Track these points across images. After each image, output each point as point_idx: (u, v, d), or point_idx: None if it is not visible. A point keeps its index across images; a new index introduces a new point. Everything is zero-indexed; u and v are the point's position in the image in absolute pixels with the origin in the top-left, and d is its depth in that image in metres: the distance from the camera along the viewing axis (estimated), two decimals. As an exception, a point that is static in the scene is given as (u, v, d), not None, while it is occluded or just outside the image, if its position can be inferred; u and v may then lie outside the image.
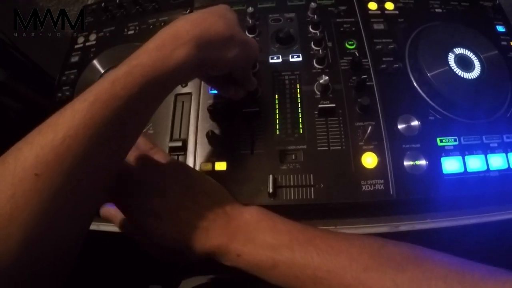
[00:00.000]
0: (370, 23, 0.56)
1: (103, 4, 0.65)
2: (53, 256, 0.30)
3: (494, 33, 0.58)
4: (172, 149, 0.49)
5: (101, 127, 0.30)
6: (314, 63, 0.52)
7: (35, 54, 0.87)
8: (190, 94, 0.52)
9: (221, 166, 0.47)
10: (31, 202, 0.26)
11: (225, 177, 0.46)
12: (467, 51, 0.52)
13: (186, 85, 0.53)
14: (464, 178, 0.45)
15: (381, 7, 0.58)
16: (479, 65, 0.51)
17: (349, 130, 0.47)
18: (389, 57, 0.53)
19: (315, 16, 0.55)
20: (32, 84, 0.86)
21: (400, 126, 0.48)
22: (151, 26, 0.61)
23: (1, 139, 0.33)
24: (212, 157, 0.48)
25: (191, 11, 0.57)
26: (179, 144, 0.48)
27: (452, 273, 0.30)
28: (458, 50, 0.52)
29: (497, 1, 0.61)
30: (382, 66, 0.52)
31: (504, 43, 0.57)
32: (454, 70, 0.50)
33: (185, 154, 0.49)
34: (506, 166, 0.46)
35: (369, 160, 0.46)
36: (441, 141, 0.47)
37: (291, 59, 0.53)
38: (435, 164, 0.45)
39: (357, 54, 0.51)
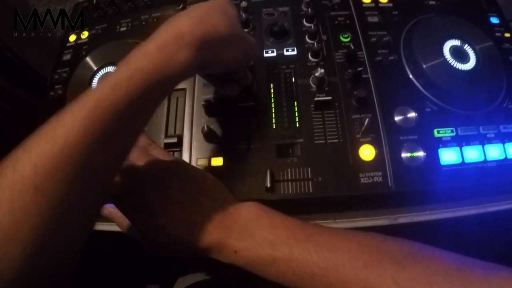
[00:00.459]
0: (364, 16, 0.56)
1: (94, 1, 0.64)
2: (55, 267, 0.29)
3: (488, 25, 0.58)
4: (167, 145, 0.48)
5: (102, 134, 0.29)
6: (309, 56, 0.52)
7: (25, 53, 0.85)
8: (184, 89, 0.52)
9: (217, 161, 0.46)
10: (31, 215, 0.25)
11: (222, 172, 0.46)
12: (462, 42, 0.52)
13: (180, 81, 0.52)
14: (462, 169, 0.45)
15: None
16: (474, 57, 0.51)
17: (346, 122, 0.47)
18: (384, 49, 0.53)
19: (309, 10, 0.55)
20: (23, 85, 0.84)
21: (397, 118, 0.47)
22: (144, 23, 0.60)
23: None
24: (208, 153, 0.47)
25: (183, 7, 0.56)
26: (174, 140, 0.48)
27: (453, 270, 0.30)
28: (453, 42, 0.52)
29: (491, -7, 0.61)
30: (378, 58, 0.52)
31: (498, 34, 0.57)
32: (450, 61, 0.50)
33: (180, 150, 0.48)
34: (503, 156, 0.46)
35: (367, 152, 0.45)
36: (438, 132, 0.47)
37: (285, 53, 0.53)
38: (432, 156, 0.45)
39: (352, 47, 0.50)
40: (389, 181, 0.44)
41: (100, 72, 0.55)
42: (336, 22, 0.55)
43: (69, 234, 0.29)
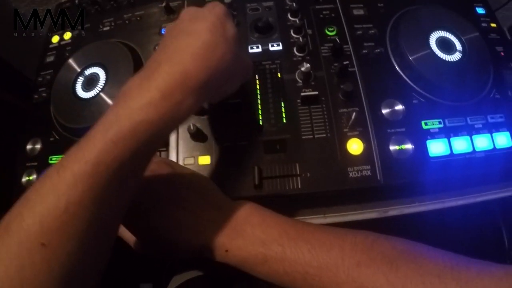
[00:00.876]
0: (349, 9, 0.56)
1: (77, 1, 0.63)
2: None
3: (474, 15, 0.58)
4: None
5: (106, 190, 0.27)
6: (295, 51, 0.52)
7: (8, 55, 0.84)
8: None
9: (205, 160, 0.46)
10: (41, 273, 0.25)
11: (210, 171, 0.45)
12: (448, 33, 0.52)
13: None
14: (451, 160, 0.45)
15: (360, -8, 0.57)
16: (461, 47, 0.51)
17: (333, 117, 0.47)
18: (370, 42, 0.52)
19: (294, 4, 0.54)
20: (7, 86, 0.83)
21: (384, 111, 0.47)
22: (127, 21, 0.59)
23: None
24: (195, 152, 0.47)
25: (167, 4, 0.55)
26: (161, 140, 0.47)
27: (447, 269, 0.30)
28: (439, 33, 0.52)
29: (476, -17, 0.61)
30: (364, 51, 0.51)
31: (484, 24, 0.57)
32: (436, 53, 0.50)
33: (167, 150, 0.47)
34: (491, 147, 0.47)
35: (355, 146, 0.45)
36: (425, 124, 0.47)
37: (271, 48, 0.52)
38: (421, 148, 0.45)
39: (338, 41, 0.50)
40: (378, 174, 0.44)
41: (84, 73, 0.54)
42: (321, 15, 0.55)
43: (81, 283, 0.29)
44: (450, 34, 0.52)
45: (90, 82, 0.53)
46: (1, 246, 0.25)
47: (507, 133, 0.47)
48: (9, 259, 0.25)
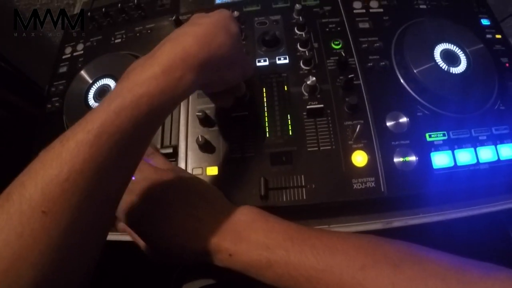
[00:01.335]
0: (355, 22, 0.56)
1: (89, 14, 0.65)
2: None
3: (479, 27, 0.58)
4: (163, 156, 0.49)
5: (107, 159, 0.28)
6: (301, 64, 0.52)
7: (17, 60, 0.86)
8: (179, 100, 0.52)
9: (212, 171, 0.47)
10: (40, 240, 0.26)
11: (217, 181, 0.46)
12: (452, 46, 0.52)
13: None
14: (455, 172, 0.46)
15: (365, 5, 0.58)
16: (465, 59, 0.51)
17: (338, 129, 0.47)
18: (375, 55, 0.53)
19: (300, 18, 0.55)
20: (16, 91, 0.85)
21: (388, 123, 0.48)
22: (138, 34, 0.61)
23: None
24: (203, 162, 0.48)
25: (177, 18, 0.57)
26: (170, 150, 0.49)
27: (450, 271, 0.30)
28: (444, 45, 0.52)
29: (481, -5, 0.61)
30: (369, 64, 0.52)
31: (489, 36, 0.57)
32: (440, 65, 0.50)
33: (176, 161, 0.49)
34: (495, 158, 0.47)
35: (359, 158, 0.46)
36: (430, 136, 0.47)
37: (278, 62, 0.54)
38: (425, 160, 0.46)
39: (343, 54, 0.51)
40: (382, 186, 0.44)
41: (95, 84, 0.56)
42: (327, 29, 0.56)
43: (79, 255, 0.29)
44: (455, 47, 0.52)
45: (102, 93, 0.55)
46: (2, 214, 0.26)
47: (512, 145, 0.48)
48: (9, 227, 0.25)
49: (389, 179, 0.45)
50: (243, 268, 0.36)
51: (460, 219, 0.47)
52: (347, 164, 0.45)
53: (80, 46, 0.64)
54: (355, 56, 0.53)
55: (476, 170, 0.46)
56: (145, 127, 0.31)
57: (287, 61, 0.53)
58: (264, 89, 0.51)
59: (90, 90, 0.56)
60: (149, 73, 0.31)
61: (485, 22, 0.59)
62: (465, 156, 0.46)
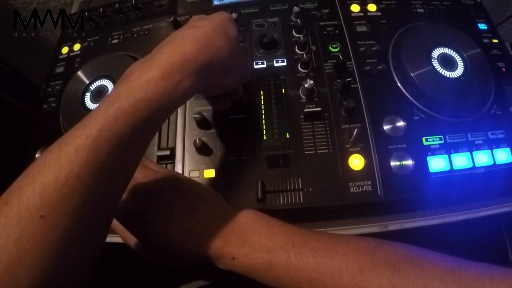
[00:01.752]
0: (353, 25, 0.57)
1: (86, 14, 0.65)
2: None
3: (476, 31, 0.59)
4: (160, 158, 0.49)
5: (105, 164, 0.28)
6: (299, 67, 0.53)
7: (14, 60, 0.86)
8: (176, 102, 0.52)
9: (209, 173, 0.47)
10: (38, 245, 0.26)
11: (214, 184, 0.46)
12: (450, 50, 0.53)
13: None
14: (451, 176, 0.46)
15: (363, 9, 0.58)
16: (462, 64, 0.52)
17: (336, 133, 0.47)
18: (373, 58, 0.53)
19: (298, 20, 0.55)
20: (14, 92, 0.85)
21: (385, 127, 0.48)
22: (135, 35, 0.61)
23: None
24: (200, 165, 0.48)
25: (174, 19, 0.57)
26: (167, 152, 0.48)
27: (448, 272, 0.30)
28: (441, 50, 0.52)
29: (478, -1, 0.62)
30: (366, 68, 0.52)
31: (486, 40, 0.58)
32: (438, 69, 0.51)
33: (173, 163, 0.49)
34: (491, 163, 0.47)
35: (356, 162, 0.46)
36: (426, 140, 0.47)
37: (275, 64, 0.54)
38: (421, 164, 0.46)
39: (341, 57, 0.51)
40: (379, 189, 0.45)
41: (92, 85, 0.55)
42: (325, 32, 0.56)
43: (77, 259, 0.29)
44: (452, 51, 0.52)
45: (99, 94, 0.54)
46: (0, 218, 0.25)
47: (508, 149, 0.48)
48: (8, 231, 0.25)
49: (385, 183, 0.45)
50: (245, 271, 0.36)
51: (456, 222, 0.48)
52: (344, 168, 0.46)
53: (77, 46, 0.64)
54: (352, 60, 0.53)
55: (472, 174, 0.46)
56: (143, 131, 0.31)
57: (284, 63, 0.53)
58: (261, 91, 0.51)
59: (87, 91, 0.55)
60: (147, 77, 0.31)
61: (482, 26, 0.60)
62: (461, 160, 0.47)
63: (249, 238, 0.37)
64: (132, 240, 0.41)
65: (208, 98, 0.47)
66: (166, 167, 0.49)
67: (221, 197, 0.42)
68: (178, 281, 0.56)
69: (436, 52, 0.52)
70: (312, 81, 0.48)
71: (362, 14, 0.58)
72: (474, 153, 0.47)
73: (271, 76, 0.52)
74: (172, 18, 0.57)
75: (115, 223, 0.39)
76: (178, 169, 0.48)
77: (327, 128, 0.48)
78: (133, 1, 0.63)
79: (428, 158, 0.46)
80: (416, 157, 0.46)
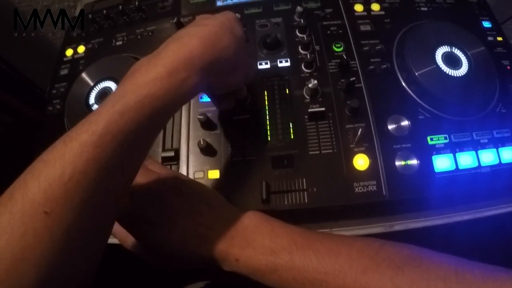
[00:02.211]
0: (356, 25, 0.56)
1: (90, 16, 0.65)
2: None
3: (480, 29, 0.58)
4: (165, 159, 0.49)
5: (111, 160, 0.28)
6: (303, 67, 0.52)
7: (19, 63, 0.86)
8: (180, 103, 0.52)
9: (214, 174, 0.47)
10: (43, 241, 0.25)
11: (219, 185, 0.46)
12: (454, 48, 0.52)
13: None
14: (456, 175, 0.46)
15: (367, 8, 0.58)
16: (467, 62, 0.51)
17: (340, 133, 0.47)
18: (377, 58, 0.53)
19: (302, 20, 0.55)
20: (20, 96, 0.85)
21: (390, 127, 0.48)
22: (139, 36, 0.61)
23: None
24: (204, 166, 0.48)
25: (178, 20, 0.57)
26: (172, 154, 0.48)
27: (451, 273, 0.30)
28: (445, 48, 0.52)
29: (482, -3, 0.61)
30: (370, 67, 0.52)
31: (490, 38, 0.57)
32: (442, 68, 0.50)
33: (177, 164, 0.49)
34: (497, 162, 0.47)
35: (361, 162, 0.46)
36: (431, 139, 0.47)
37: (279, 64, 0.54)
38: (426, 163, 0.46)
39: (345, 57, 0.51)
40: (384, 189, 0.44)
41: (97, 87, 0.56)
42: (329, 32, 0.56)
43: (81, 255, 0.29)
44: (456, 49, 0.52)
45: (103, 96, 0.55)
46: (5, 213, 0.25)
47: (513, 148, 0.48)
48: (12, 227, 0.25)
49: (390, 183, 0.45)
50: (249, 273, 0.36)
51: (461, 222, 0.47)
52: (348, 168, 0.45)
53: (81, 48, 0.64)
54: (356, 59, 0.53)
55: (477, 174, 0.46)
56: (148, 128, 0.31)
57: (288, 64, 0.53)
58: (265, 92, 0.51)
59: (91, 93, 0.56)
60: (153, 74, 0.31)
61: (486, 24, 0.59)
62: (466, 160, 0.46)
63: (253, 240, 0.37)
64: (130, 242, 0.41)
65: (212, 97, 0.47)
66: (171, 168, 0.49)
67: (223, 198, 0.42)
68: (183, 281, 0.56)
69: (440, 51, 0.52)
70: (316, 81, 0.48)
71: (365, 13, 0.58)
72: (479, 152, 0.47)
73: (275, 77, 0.52)
74: (175, 19, 0.57)
75: (115, 225, 0.40)
76: (183, 170, 0.48)
77: (332, 128, 0.48)
78: (137, 3, 0.63)
79: (433, 157, 0.46)
80: (421, 156, 0.46)
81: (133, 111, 0.29)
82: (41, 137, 0.57)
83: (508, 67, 0.55)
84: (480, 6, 0.61)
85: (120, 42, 0.62)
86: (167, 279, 0.59)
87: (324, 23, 0.57)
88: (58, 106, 0.59)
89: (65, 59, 0.64)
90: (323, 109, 0.48)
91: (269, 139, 0.48)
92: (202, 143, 0.46)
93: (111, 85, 0.55)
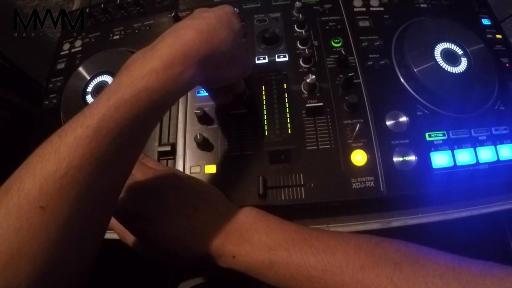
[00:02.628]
0: (355, 21, 0.56)
1: (87, 10, 0.65)
2: (64, 284, 0.29)
3: (479, 26, 0.58)
4: (161, 154, 0.48)
5: (106, 155, 0.28)
6: (301, 62, 0.52)
7: (19, 59, 0.86)
8: (177, 98, 0.52)
9: (210, 169, 0.47)
10: (39, 235, 0.25)
11: (215, 180, 0.46)
12: (453, 45, 0.52)
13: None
14: (454, 172, 0.45)
15: (366, 4, 0.58)
16: (466, 59, 0.51)
17: (338, 128, 0.47)
18: (376, 53, 0.53)
19: (300, 15, 0.55)
20: (18, 91, 0.85)
21: (388, 123, 0.48)
22: (136, 31, 0.61)
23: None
24: (201, 161, 0.47)
25: (176, 14, 0.56)
26: (168, 148, 0.48)
27: (449, 269, 0.30)
28: (444, 45, 0.52)
29: (482, -6, 0.61)
30: (369, 63, 0.52)
31: (489, 35, 0.57)
32: (441, 64, 0.50)
33: (174, 159, 0.48)
34: (495, 159, 0.47)
35: (358, 157, 0.45)
36: (429, 136, 0.47)
37: (277, 59, 0.53)
38: (424, 159, 0.46)
39: (343, 52, 0.51)
40: (381, 185, 0.44)
41: (93, 81, 0.55)
42: (327, 27, 0.55)
43: (77, 250, 0.29)
44: (455, 46, 0.52)
45: (100, 90, 0.54)
46: (0, 209, 0.25)
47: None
48: (8, 222, 0.25)
49: (388, 179, 0.44)
50: (245, 269, 0.36)
51: (459, 219, 0.47)
52: (346, 163, 0.45)
53: (78, 43, 0.63)
54: (355, 55, 0.53)
55: (475, 170, 0.46)
56: (144, 121, 0.31)
57: (286, 59, 0.53)
58: (263, 87, 0.51)
59: (88, 87, 0.55)
60: (149, 67, 0.31)
61: (485, 22, 0.59)
62: (464, 156, 0.46)
63: (249, 236, 0.37)
64: (130, 238, 0.41)
65: (210, 91, 0.47)
66: (167, 162, 0.48)
67: (220, 193, 0.42)
68: (180, 278, 0.56)
69: (439, 47, 0.52)
70: (314, 76, 0.48)
71: (364, 9, 0.57)
72: (477, 149, 0.47)
73: (273, 71, 0.52)
74: (173, 14, 0.57)
75: (113, 221, 0.39)
76: (179, 164, 0.48)
77: (329, 124, 0.47)
78: (134, -3, 0.63)
79: (431, 154, 0.46)
80: (419, 152, 0.46)
81: (129, 104, 0.29)
82: (37, 132, 0.57)
83: (507, 65, 0.55)
84: (479, 4, 0.60)
85: (118, 36, 0.61)
86: (165, 275, 0.59)
87: (323, 18, 0.56)
88: (54, 101, 0.58)
89: (62, 53, 0.64)
90: (321, 104, 0.47)
91: (266, 134, 0.48)
92: (199, 137, 0.46)
93: (108, 79, 0.55)
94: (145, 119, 0.30)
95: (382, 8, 0.57)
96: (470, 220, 0.47)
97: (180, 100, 0.51)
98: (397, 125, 0.47)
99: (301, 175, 0.45)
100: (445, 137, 0.47)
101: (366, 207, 0.47)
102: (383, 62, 0.52)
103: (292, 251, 0.34)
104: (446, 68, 0.50)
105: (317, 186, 0.44)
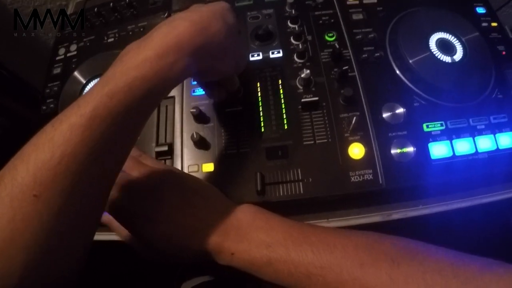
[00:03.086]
0: (349, 14, 0.56)
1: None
2: (57, 274, 0.29)
3: (474, 15, 0.58)
4: (159, 154, 0.48)
5: (100, 143, 0.28)
6: (295, 57, 0.52)
7: (16, 66, 0.86)
8: (173, 97, 0.52)
9: (208, 167, 0.47)
10: (32, 224, 0.26)
11: (213, 178, 0.46)
12: (448, 35, 0.52)
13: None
14: (453, 162, 0.45)
15: (359, -4, 0.58)
16: (461, 48, 0.51)
17: (334, 122, 0.47)
18: (370, 46, 0.52)
19: (293, 11, 0.55)
20: (17, 98, 0.85)
21: (385, 115, 0.47)
22: (131, 33, 0.61)
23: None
24: (199, 159, 0.47)
25: (169, 15, 0.57)
26: (165, 148, 0.48)
27: (448, 266, 0.30)
28: (439, 35, 0.52)
29: (476, -17, 0.61)
30: (364, 56, 0.52)
31: (485, 24, 0.57)
32: (436, 54, 0.50)
33: (172, 158, 0.48)
34: (494, 147, 0.46)
35: (356, 150, 0.45)
36: (427, 126, 0.47)
37: (271, 56, 0.53)
38: (422, 150, 0.45)
39: (337, 46, 0.50)
40: (380, 178, 0.44)
41: (89, 84, 0.55)
42: (321, 21, 0.55)
43: (70, 241, 0.29)
44: (450, 35, 0.52)
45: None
46: None
47: (511, 133, 0.47)
48: (1, 211, 0.25)
49: (387, 171, 0.44)
50: (244, 266, 0.36)
51: (459, 209, 0.47)
52: (344, 157, 0.45)
53: (73, 47, 0.63)
54: (349, 48, 0.52)
55: (475, 160, 0.46)
56: (137, 110, 0.31)
57: (280, 54, 0.53)
58: (258, 83, 0.51)
59: (84, 91, 0.55)
60: (143, 56, 0.31)
61: (480, 10, 0.59)
62: (463, 146, 0.46)
63: (248, 234, 0.36)
64: (127, 236, 0.41)
65: (204, 87, 0.47)
66: (165, 162, 0.48)
67: (217, 190, 0.42)
68: (185, 277, 0.56)
69: (434, 37, 0.51)
70: (308, 71, 0.48)
71: (357, 2, 0.57)
72: (476, 138, 0.47)
73: (267, 68, 0.52)
74: (166, 14, 0.57)
75: (110, 218, 0.39)
76: (177, 164, 0.48)
77: (326, 118, 0.47)
78: (127, 0, 0.62)
79: (430, 144, 0.46)
80: (417, 144, 0.45)
81: (122, 93, 0.29)
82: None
83: (504, 53, 0.54)
84: (474, -8, 0.60)
85: (112, 39, 0.61)
86: (170, 275, 0.59)
87: (316, 13, 0.56)
88: (51, 106, 0.58)
89: (57, 58, 0.64)
90: (317, 98, 0.47)
91: (262, 130, 0.48)
92: (195, 136, 0.46)
93: (104, 82, 0.55)
94: (138, 108, 0.31)
95: (375, 1, 0.57)
96: (471, 210, 0.47)
97: (176, 100, 0.52)
98: (394, 116, 0.47)
99: (299, 170, 0.45)
100: (443, 127, 0.47)
101: (365, 200, 0.47)
102: (378, 54, 0.52)
103: (291, 248, 0.34)
104: (441, 58, 0.50)
105: (315, 180, 0.44)
